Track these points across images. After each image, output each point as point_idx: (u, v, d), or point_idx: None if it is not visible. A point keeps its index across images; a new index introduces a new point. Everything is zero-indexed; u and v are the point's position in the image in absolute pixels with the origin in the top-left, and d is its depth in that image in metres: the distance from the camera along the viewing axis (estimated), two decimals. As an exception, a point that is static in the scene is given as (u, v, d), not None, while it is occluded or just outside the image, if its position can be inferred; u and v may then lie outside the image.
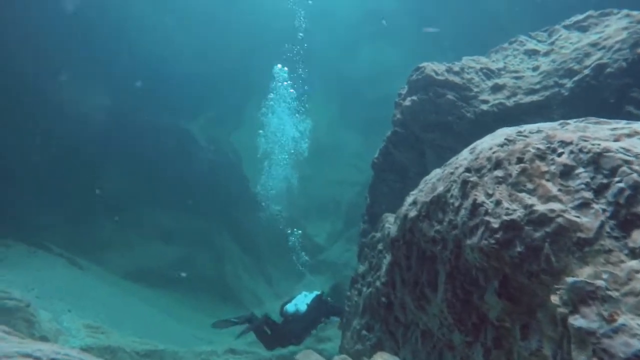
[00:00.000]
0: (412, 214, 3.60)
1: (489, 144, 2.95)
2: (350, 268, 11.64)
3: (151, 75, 17.32)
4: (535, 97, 5.81)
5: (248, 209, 19.36)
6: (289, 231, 16.37)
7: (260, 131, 17.71)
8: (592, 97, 5.48)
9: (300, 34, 16.40)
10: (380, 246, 5.01)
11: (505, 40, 8.47)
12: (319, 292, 7.30)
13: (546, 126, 2.82)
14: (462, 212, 2.77)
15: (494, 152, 2.75)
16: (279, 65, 16.61)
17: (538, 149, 2.43)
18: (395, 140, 6.49)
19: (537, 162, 2.37)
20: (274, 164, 18.32)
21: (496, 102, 5.99)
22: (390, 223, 4.91)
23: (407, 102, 6.16)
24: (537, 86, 5.88)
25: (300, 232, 16.93)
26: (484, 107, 6.03)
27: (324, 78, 18.29)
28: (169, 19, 17.15)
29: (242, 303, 15.45)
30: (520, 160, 2.48)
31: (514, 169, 2.47)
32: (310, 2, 16.33)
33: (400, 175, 6.94)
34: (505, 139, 2.78)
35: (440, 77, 6.04)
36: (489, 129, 6.09)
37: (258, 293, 17.06)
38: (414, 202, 3.69)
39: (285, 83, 16.86)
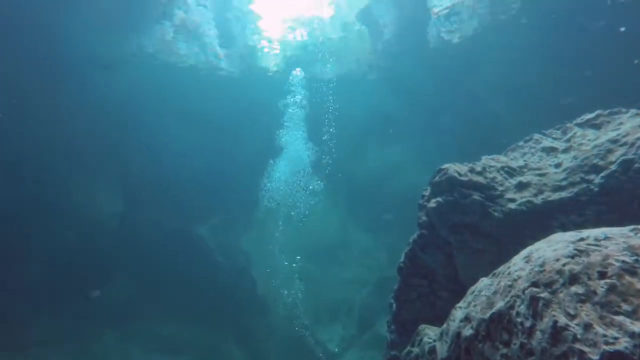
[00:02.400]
0: (467, 332, 3.19)
1: (553, 254, 2.68)
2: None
3: (162, 180, 17.73)
4: (563, 194, 5.67)
5: (257, 313, 18.38)
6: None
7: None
8: (624, 193, 5.34)
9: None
10: (421, 365, 4.45)
11: (507, 137, 8.67)
12: None
13: (615, 232, 2.59)
14: (538, 335, 2.41)
15: (564, 265, 2.47)
16: None
17: (624, 262, 2.16)
18: (422, 243, 6.22)
19: (628, 278, 2.09)
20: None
21: (524, 200, 5.84)
22: (431, 338, 4.43)
23: (432, 204, 6.02)
24: (564, 182, 5.78)
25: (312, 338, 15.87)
26: (512, 205, 5.87)
27: (332, 177, 18.65)
28: (180, 124, 18.04)
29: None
30: (603, 275, 2.20)
31: (599, 286, 2.18)
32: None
33: (428, 279, 6.53)
34: (575, 248, 2.52)
35: (463, 178, 5.97)
36: (520, 228, 5.87)
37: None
38: (467, 319, 3.31)
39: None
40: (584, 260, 2.35)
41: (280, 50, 18.73)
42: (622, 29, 13.63)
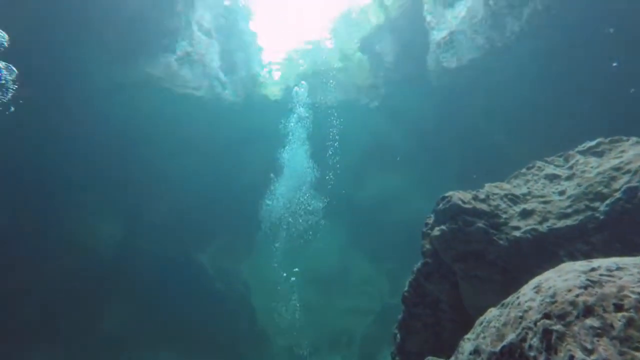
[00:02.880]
0: (477, 366, 3.08)
1: (564, 284, 2.62)
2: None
3: (162, 206, 17.67)
4: (569, 222, 5.61)
5: (256, 343, 17.95)
6: None
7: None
8: (630, 221, 5.28)
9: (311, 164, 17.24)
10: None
11: (508, 163, 8.68)
12: None
13: (628, 263, 2.53)
14: (553, 370, 2.31)
15: (577, 296, 2.40)
16: None
17: (640, 294, 2.10)
18: (426, 272, 6.12)
19: (646, 311, 2.02)
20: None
21: (528, 228, 5.78)
22: (439, 371, 4.29)
23: (436, 232, 5.96)
24: (569, 210, 5.73)
25: None
26: (517, 233, 5.80)
27: (333, 204, 18.59)
28: (182, 151, 18.11)
29: None
30: (619, 308, 2.13)
31: (616, 319, 2.11)
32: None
33: (432, 309, 6.39)
34: (587, 279, 2.46)
35: (467, 206, 5.93)
36: (526, 256, 5.78)
37: None
38: (476, 351, 3.20)
39: None
40: (597, 292, 2.29)
41: (281, 78, 19.03)
42: (615, 64, 13.88)
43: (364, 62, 18.76)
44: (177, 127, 17.59)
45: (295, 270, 17.41)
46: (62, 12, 12.86)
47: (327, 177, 18.30)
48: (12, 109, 12.26)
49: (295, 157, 18.52)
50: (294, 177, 18.17)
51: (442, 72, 17.76)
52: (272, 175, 18.27)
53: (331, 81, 18.67)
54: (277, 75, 19.10)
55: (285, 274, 17.61)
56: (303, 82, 18.55)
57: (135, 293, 16.22)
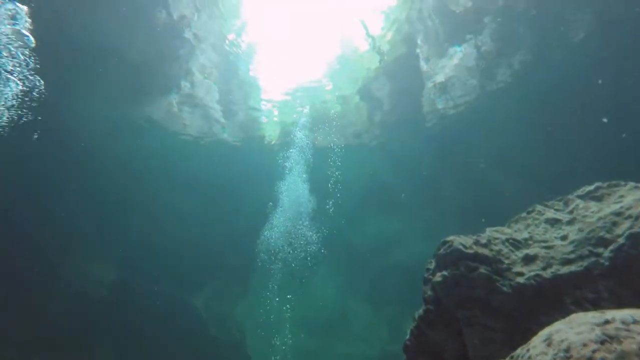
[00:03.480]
0: None
1: (578, 337, 2.50)
2: None
3: (158, 247, 17.36)
4: (573, 268, 5.50)
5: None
6: None
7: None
8: (636, 267, 5.19)
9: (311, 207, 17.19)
10: None
11: (506, 206, 8.65)
12: None
13: (644, 315, 2.43)
14: None
15: (594, 351, 2.29)
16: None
17: (662, 351, 2.00)
18: (429, 319, 5.92)
19: (670, 371, 1.92)
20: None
21: (532, 274, 5.66)
22: None
23: (438, 278, 5.82)
24: (572, 255, 5.64)
25: None
26: (520, 279, 5.67)
27: (332, 248, 18.37)
28: (179, 192, 18.04)
29: None
30: (640, 366, 2.02)
31: (637, 378, 1.99)
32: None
33: (435, 358, 6.13)
34: (603, 333, 2.35)
35: (469, 251, 5.83)
36: (531, 303, 5.62)
37: None
38: (487, 410, 3.02)
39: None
40: (616, 348, 2.18)
41: (280, 120, 19.33)
42: (604, 120, 14.24)
43: (361, 105, 19.16)
44: (174, 168, 17.66)
45: (290, 314, 16.92)
46: (66, 56, 13.20)
47: (324, 219, 18.19)
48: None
49: (293, 197, 18.50)
50: (291, 211, 18.06)
51: (438, 115, 18.13)
52: (270, 204, 18.16)
53: (329, 123, 18.98)
54: (275, 116, 19.41)
55: (281, 319, 17.09)
56: (301, 123, 18.84)
57: (127, 337, 15.63)
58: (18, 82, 11.90)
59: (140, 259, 16.99)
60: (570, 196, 6.84)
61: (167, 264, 17.22)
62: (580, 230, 5.94)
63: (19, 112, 12.39)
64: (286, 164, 18.68)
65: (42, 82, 12.54)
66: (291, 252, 17.49)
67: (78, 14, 12.48)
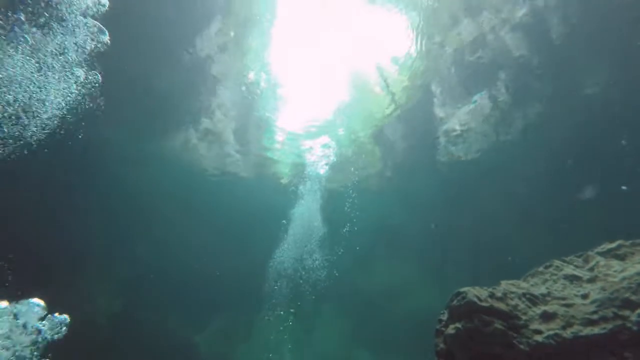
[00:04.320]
0: None
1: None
2: None
3: (165, 281, 17.12)
4: (596, 330, 5.20)
5: None
6: None
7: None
8: (664, 333, 4.88)
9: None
10: None
11: (520, 261, 8.36)
12: None
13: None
14: None
15: None
16: None
17: None
18: (440, 375, 5.60)
19: None
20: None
21: (551, 333, 5.35)
22: None
23: (451, 330, 5.54)
24: (595, 316, 5.34)
25: None
26: (538, 338, 5.36)
27: (339, 291, 17.94)
28: (189, 225, 17.98)
29: None
30: None
31: None
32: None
33: (446, 419, 5.74)
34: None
35: (484, 304, 5.57)
36: (550, 365, 5.29)
37: None
38: None
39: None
40: None
41: (292, 160, 19.49)
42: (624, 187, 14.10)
43: (375, 149, 19.27)
44: (185, 201, 17.72)
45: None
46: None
47: (333, 260, 17.91)
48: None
49: (302, 235, 18.36)
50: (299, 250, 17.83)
51: (452, 163, 18.09)
52: (284, 221, 17.96)
53: (341, 165, 19.06)
54: (288, 155, 19.58)
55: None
56: (313, 163, 18.97)
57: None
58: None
59: (145, 291, 16.75)
60: (590, 253, 6.59)
61: (172, 299, 16.92)
62: (603, 289, 5.67)
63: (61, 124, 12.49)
64: (296, 205, 18.67)
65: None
66: (298, 298, 17.16)
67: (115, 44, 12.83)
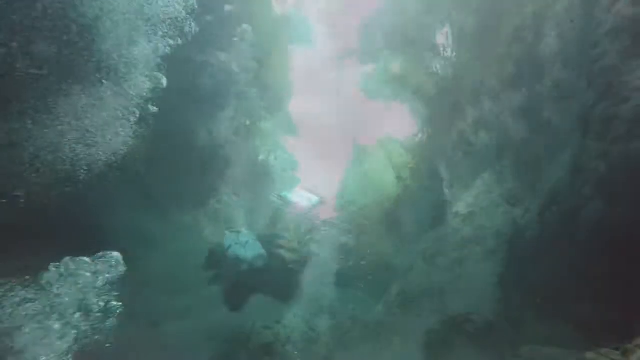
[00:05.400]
0: None
1: None
2: None
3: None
4: None
5: None
6: None
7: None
8: None
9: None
10: None
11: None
12: None
13: None
14: None
15: None
16: None
17: None
18: None
19: None
20: None
21: None
22: None
23: None
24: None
25: None
26: None
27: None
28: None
29: None
30: None
31: None
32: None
33: None
34: None
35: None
36: None
37: None
38: None
39: None
40: None
41: (297, 247, 19.37)
42: None
43: (382, 231, 19.14)
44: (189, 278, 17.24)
45: None
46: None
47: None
48: None
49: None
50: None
51: (461, 244, 17.80)
52: None
53: (347, 250, 18.90)
54: (296, 240, 19.45)
55: None
56: (319, 245, 18.81)
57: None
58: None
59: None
60: (629, 345, 6.19)
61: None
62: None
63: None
64: (303, 284, 18.21)
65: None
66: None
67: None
